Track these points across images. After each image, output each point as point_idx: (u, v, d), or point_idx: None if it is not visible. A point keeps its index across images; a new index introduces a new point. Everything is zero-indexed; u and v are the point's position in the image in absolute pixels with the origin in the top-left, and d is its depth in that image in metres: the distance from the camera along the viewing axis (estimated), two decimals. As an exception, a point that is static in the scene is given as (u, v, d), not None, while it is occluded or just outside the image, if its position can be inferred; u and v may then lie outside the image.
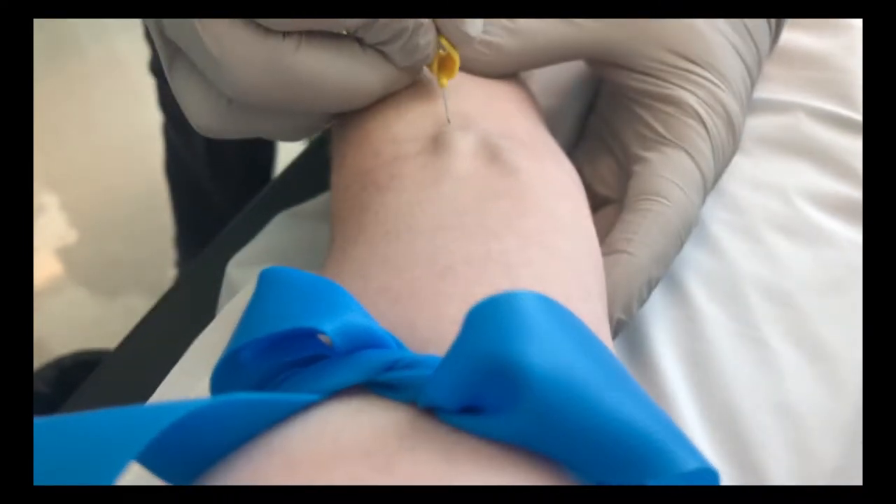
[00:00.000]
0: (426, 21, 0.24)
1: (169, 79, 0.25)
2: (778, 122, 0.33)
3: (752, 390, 0.27)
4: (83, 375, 0.40)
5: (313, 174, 0.44)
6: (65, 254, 1.17)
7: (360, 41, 0.24)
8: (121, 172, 1.31)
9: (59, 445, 0.12)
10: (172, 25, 0.23)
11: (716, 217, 0.31)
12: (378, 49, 0.25)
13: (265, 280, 0.17)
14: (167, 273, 1.05)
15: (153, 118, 0.92)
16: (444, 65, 0.26)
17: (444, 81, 0.26)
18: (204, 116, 0.25)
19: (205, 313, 0.35)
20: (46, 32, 1.38)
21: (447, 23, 0.25)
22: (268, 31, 0.23)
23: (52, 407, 0.41)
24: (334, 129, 0.28)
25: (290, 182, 0.48)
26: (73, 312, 1.08)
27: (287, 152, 0.84)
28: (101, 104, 1.39)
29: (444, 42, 0.26)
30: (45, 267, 1.13)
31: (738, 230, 0.30)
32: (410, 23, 0.24)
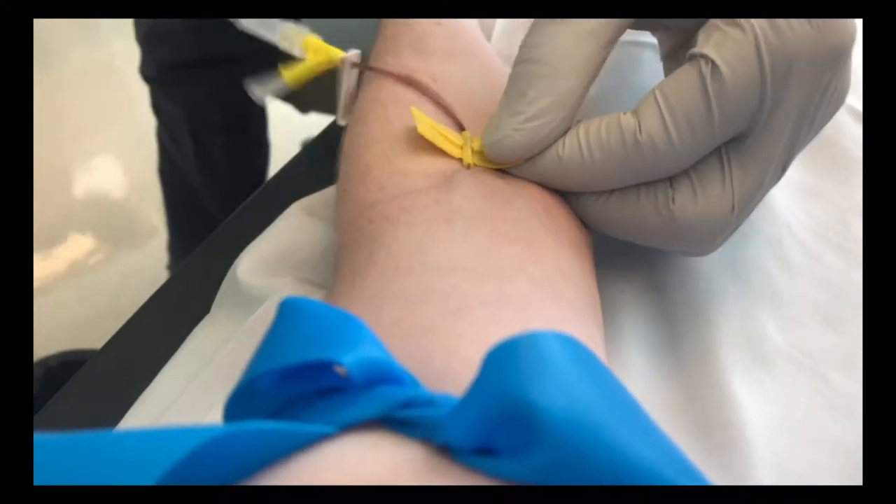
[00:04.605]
0: None
1: None
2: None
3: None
4: (69, 375, 0.40)
5: (307, 176, 0.44)
6: (54, 255, 1.17)
7: None
8: (113, 175, 1.30)
9: (67, 467, 0.12)
10: None
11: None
12: None
13: (284, 310, 0.17)
14: (158, 277, 1.05)
15: (149, 121, 0.91)
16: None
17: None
18: None
19: (192, 314, 0.35)
20: (40, 34, 1.38)
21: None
22: None
23: (37, 407, 0.41)
24: (339, 163, 0.28)
25: (284, 183, 0.48)
26: (61, 314, 1.07)
27: (281, 154, 0.84)
28: (97, 106, 1.39)
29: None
30: (35, 267, 1.12)
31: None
32: None
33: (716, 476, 0.25)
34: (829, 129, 0.35)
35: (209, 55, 0.78)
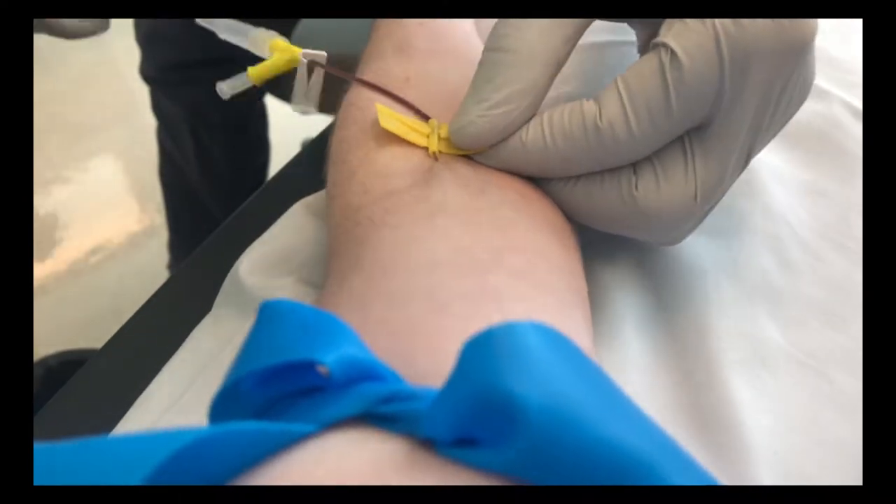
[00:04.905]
0: None
1: None
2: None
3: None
4: (69, 375, 0.40)
5: (307, 176, 0.44)
6: (54, 254, 1.17)
7: None
8: (113, 175, 1.30)
9: (56, 471, 0.12)
10: None
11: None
12: None
13: (266, 312, 0.17)
14: (158, 277, 1.05)
15: (150, 121, 0.92)
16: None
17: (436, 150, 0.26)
18: None
19: (193, 314, 0.35)
20: (40, 35, 1.38)
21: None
22: None
23: (37, 407, 0.41)
24: (327, 168, 0.29)
25: (284, 183, 0.48)
26: (61, 314, 1.07)
27: (281, 154, 0.84)
28: (97, 106, 1.39)
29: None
30: (35, 267, 1.12)
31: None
32: None
33: (716, 476, 0.25)
34: (830, 128, 0.35)
35: (209, 55, 0.78)
